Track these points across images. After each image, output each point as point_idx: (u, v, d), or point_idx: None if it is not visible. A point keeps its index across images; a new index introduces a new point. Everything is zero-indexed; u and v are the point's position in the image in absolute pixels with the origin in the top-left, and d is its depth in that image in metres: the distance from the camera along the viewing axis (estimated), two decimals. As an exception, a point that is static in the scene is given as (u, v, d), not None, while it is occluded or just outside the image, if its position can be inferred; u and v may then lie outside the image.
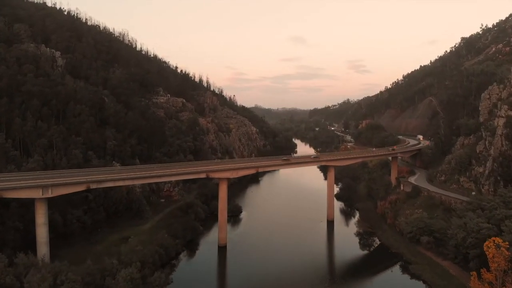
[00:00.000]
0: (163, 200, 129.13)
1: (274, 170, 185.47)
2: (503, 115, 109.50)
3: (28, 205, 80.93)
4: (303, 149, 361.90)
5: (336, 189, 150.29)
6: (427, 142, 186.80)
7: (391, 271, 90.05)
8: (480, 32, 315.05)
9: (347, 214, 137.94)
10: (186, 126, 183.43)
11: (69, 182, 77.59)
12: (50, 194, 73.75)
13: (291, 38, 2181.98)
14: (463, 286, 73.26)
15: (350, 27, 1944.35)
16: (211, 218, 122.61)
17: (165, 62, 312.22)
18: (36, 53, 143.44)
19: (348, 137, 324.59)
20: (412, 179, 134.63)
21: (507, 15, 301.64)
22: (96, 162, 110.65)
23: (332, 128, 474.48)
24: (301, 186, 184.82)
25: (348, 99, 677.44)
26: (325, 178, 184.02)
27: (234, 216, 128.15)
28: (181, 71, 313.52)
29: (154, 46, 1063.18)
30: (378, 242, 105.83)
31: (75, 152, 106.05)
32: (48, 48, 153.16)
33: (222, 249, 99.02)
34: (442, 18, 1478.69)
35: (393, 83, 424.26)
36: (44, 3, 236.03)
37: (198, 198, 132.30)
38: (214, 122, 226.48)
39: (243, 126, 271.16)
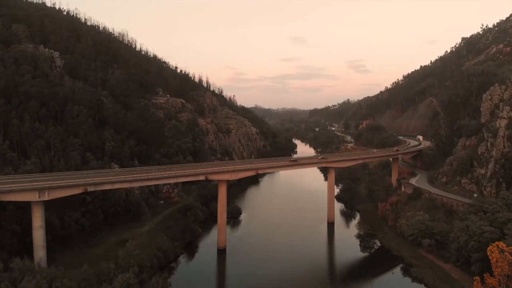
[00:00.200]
0: (162, 202, 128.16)
1: (274, 171, 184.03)
2: (505, 116, 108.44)
3: (26, 207, 79.89)
4: (303, 149, 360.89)
5: (336, 190, 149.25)
6: (427, 143, 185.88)
7: (392, 273, 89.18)
8: (481, 32, 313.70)
9: (347, 216, 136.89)
10: (185, 127, 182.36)
11: (66, 185, 76.54)
12: (46, 197, 72.73)
13: (291, 38, 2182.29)
14: (465, 290, 72.38)
15: (350, 27, 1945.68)
16: (211, 220, 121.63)
17: (164, 62, 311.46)
18: (34, 54, 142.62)
19: (348, 138, 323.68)
20: (413, 181, 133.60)
21: (508, 15, 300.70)
22: (94, 163, 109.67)
23: (333, 129, 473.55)
24: (301, 187, 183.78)
25: (348, 99, 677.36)
26: (325, 179, 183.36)
27: (233, 218, 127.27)
28: (181, 71, 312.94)
29: (154, 46, 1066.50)
30: (379, 245, 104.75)
31: (73, 154, 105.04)
32: (46, 49, 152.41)
33: (221, 252, 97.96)
34: (442, 18, 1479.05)
35: (393, 83, 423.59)
36: (43, 3, 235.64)
37: (197, 199, 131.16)
38: (214, 122, 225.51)
39: (243, 126, 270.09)
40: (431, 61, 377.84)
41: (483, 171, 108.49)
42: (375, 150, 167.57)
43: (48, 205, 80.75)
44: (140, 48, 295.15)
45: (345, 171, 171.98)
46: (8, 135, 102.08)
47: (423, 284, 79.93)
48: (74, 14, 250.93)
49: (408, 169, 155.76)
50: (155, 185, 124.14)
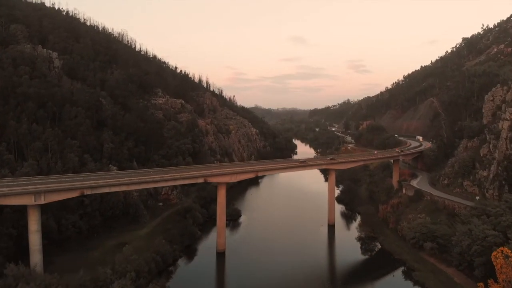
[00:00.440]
0: (161, 204, 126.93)
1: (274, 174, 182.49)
2: (508, 118, 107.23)
3: (23, 210, 78.79)
4: (304, 149, 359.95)
5: (336, 191, 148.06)
6: (428, 144, 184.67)
7: (393, 276, 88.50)
8: (481, 32, 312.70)
9: (348, 218, 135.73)
10: (185, 128, 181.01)
11: (62, 188, 75.35)
12: (42, 200, 71.58)
13: (291, 38, 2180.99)
14: (468, 295, 71.28)
15: (350, 27, 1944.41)
16: (210, 222, 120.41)
17: (164, 63, 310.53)
18: (32, 54, 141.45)
19: (349, 138, 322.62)
20: (414, 183, 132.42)
21: (508, 15, 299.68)
22: (92, 165, 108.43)
23: (333, 129, 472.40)
24: (302, 188, 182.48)
25: (348, 99, 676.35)
26: (325, 180, 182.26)
27: (233, 220, 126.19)
28: (181, 71, 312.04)
29: (153, 47, 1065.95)
30: (380, 248, 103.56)
31: (70, 156, 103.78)
32: (45, 49, 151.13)
33: (220, 255, 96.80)
34: (442, 18, 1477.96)
35: (393, 84, 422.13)
36: (43, 3, 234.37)
37: (196, 201, 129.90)
38: (214, 123, 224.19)
39: (243, 127, 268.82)
40: (431, 61, 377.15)
41: (485, 173, 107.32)
42: (376, 151, 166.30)
43: (45, 208, 79.69)
44: (140, 48, 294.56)
45: (345, 173, 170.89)
46: (5, 137, 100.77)
47: (425, 289, 78.90)
48: (73, 14, 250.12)
49: (409, 171, 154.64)
50: (153, 187, 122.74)
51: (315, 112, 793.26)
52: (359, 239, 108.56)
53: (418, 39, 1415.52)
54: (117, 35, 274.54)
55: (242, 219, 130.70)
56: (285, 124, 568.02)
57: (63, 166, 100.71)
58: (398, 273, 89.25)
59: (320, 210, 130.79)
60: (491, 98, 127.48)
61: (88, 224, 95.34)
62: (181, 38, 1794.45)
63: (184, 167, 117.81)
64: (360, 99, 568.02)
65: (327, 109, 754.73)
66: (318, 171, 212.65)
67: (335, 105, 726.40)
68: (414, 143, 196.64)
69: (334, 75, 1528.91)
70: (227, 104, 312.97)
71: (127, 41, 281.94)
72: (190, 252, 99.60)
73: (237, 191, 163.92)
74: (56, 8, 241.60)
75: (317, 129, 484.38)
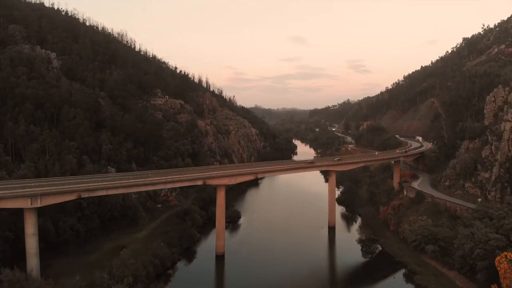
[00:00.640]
0: (160, 206, 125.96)
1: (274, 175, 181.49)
2: (510, 119, 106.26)
3: (19, 213, 77.63)
4: (304, 150, 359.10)
5: (337, 192, 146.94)
6: (429, 145, 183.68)
7: (394, 278, 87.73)
8: (482, 33, 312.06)
9: (348, 220, 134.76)
10: (184, 129, 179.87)
11: (59, 191, 74.36)
12: (39, 203, 70.56)
13: (291, 38, 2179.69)
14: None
15: (350, 27, 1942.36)
16: (209, 224, 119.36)
17: (164, 63, 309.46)
18: (31, 55, 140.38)
19: (349, 139, 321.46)
20: (415, 184, 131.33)
21: (509, 15, 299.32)
22: (90, 167, 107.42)
23: (333, 129, 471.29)
24: (302, 189, 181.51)
25: (348, 100, 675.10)
26: (326, 181, 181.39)
27: (232, 222, 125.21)
28: (180, 71, 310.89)
29: (153, 47, 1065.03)
30: (381, 250, 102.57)
31: (68, 158, 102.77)
32: (43, 50, 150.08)
33: (219, 258, 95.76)
34: (442, 18, 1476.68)
35: (393, 84, 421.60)
36: (42, 3, 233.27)
37: (195, 203, 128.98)
38: (213, 124, 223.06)
39: (243, 127, 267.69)
40: (432, 61, 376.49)
41: (487, 175, 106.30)
42: (376, 152, 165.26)
43: (43, 211, 78.71)
44: (140, 48, 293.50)
45: (345, 173, 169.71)
46: (3, 138, 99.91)
47: (427, 292, 77.94)
48: (73, 15, 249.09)
49: (410, 172, 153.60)
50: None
51: (315, 112, 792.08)
52: (360, 241, 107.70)
53: (418, 39, 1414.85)
54: (116, 35, 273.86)
55: (241, 220, 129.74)
56: (285, 124, 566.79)
57: (60, 168, 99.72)
58: (400, 276, 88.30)
59: (321, 212, 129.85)
60: (493, 99, 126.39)
61: (86, 226, 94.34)
62: (181, 38, 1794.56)
63: (183, 169, 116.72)
64: (360, 99, 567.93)
65: (327, 109, 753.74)
66: (318, 172, 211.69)
67: (335, 105, 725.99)
68: (414, 144, 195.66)
69: (334, 75, 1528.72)
70: (227, 105, 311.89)
71: (127, 41, 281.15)
72: (189, 254, 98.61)
73: (236, 192, 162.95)
74: (56, 8, 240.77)
75: (317, 130, 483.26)
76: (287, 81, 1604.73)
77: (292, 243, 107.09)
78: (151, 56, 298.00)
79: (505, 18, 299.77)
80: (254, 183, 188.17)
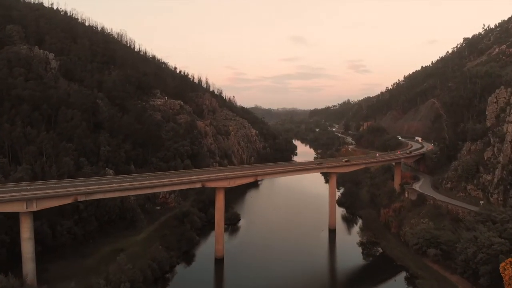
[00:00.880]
0: (158, 208, 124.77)
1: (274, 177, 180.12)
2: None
3: (16, 216, 76.43)
4: (304, 150, 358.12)
5: (337, 194, 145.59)
6: (430, 146, 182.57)
7: (395, 281, 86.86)
8: (482, 33, 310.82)
9: (349, 222, 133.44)
10: (183, 130, 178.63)
11: (55, 195, 73.09)
12: (34, 207, 69.38)
13: (291, 38, 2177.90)
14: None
15: (350, 27, 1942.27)
16: (208, 226, 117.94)
17: (163, 63, 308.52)
18: (29, 55, 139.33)
19: (349, 139, 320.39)
20: (416, 186, 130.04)
21: (510, 15, 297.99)
22: (88, 169, 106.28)
23: (333, 129, 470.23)
24: (302, 190, 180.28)
25: (348, 100, 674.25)
26: (326, 182, 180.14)
27: (232, 224, 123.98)
28: (180, 71, 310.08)
29: (153, 47, 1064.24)
30: (383, 253, 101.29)
31: (65, 160, 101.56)
32: (41, 50, 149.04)
33: (219, 262, 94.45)
34: (442, 18, 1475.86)
35: (394, 84, 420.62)
36: (41, 3, 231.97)
37: (194, 205, 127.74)
38: (213, 124, 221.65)
39: (243, 128, 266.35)
40: (432, 61, 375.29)
41: (489, 177, 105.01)
42: (377, 154, 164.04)
43: (39, 214, 77.47)
44: (139, 48, 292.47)
45: (346, 175, 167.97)
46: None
47: (429, 297, 76.74)
48: (72, 15, 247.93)
49: (411, 173, 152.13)
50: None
51: (315, 112, 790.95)
52: (361, 244, 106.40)
53: (418, 39, 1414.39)
54: (116, 36, 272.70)
55: (241, 223, 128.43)
56: (285, 125, 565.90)
57: (58, 171, 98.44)
58: (401, 280, 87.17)
59: (321, 214, 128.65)
60: (495, 100, 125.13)
61: (83, 229, 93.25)
62: (181, 38, 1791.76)
63: (182, 171, 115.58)
64: (360, 99, 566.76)
65: (327, 109, 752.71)
66: (319, 174, 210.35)
67: (335, 105, 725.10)
68: (415, 145, 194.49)
69: (334, 75, 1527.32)
70: (227, 105, 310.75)
71: (126, 41, 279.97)
72: (187, 258, 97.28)
73: (236, 193, 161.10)
74: (55, 9, 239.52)
75: (317, 130, 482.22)
76: (287, 81, 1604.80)
77: (292, 246, 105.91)
78: (150, 56, 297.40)
79: (506, 18, 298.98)
80: (254, 184, 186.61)
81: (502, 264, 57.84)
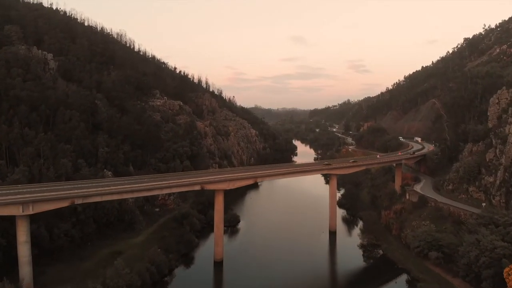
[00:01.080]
0: (157, 209, 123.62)
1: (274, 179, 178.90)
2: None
3: (12, 219, 75.57)
4: (304, 150, 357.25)
5: (338, 195, 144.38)
6: (430, 146, 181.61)
7: (396, 283, 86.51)
8: (483, 33, 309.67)
9: (349, 224, 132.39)
10: (183, 130, 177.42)
11: (52, 198, 72.15)
12: (31, 211, 68.38)
13: (291, 38, 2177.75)
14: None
15: (350, 27, 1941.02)
16: (208, 228, 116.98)
17: (163, 63, 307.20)
18: (27, 56, 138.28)
19: (349, 140, 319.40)
20: (417, 187, 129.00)
21: (511, 16, 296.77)
22: (86, 171, 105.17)
23: (333, 130, 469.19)
24: (302, 191, 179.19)
25: (348, 100, 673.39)
26: (326, 182, 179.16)
27: (231, 226, 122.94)
28: (180, 71, 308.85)
29: (153, 47, 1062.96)
30: (383, 256, 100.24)
31: (63, 161, 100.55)
32: (40, 50, 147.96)
33: (218, 265, 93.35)
34: (442, 18, 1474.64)
35: (394, 84, 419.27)
36: (40, 3, 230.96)
37: (194, 207, 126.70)
38: (212, 125, 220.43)
39: (242, 128, 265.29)
40: (432, 61, 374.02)
41: (491, 179, 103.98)
42: (378, 155, 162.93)
43: (36, 216, 76.38)
44: (139, 48, 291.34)
45: (346, 176, 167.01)
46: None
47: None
48: (71, 15, 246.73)
49: (412, 174, 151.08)
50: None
51: (315, 112, 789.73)
52: (361, 246, 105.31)
53: (418, 39, 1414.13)
54: (115, 36, 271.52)
55: (240, 225, 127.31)
56: (285, 125, 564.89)
57: (55, 172, 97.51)
58: (402, 283, 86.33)
59: (321, 215, 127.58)
60: (497, 101, 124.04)
61: (81, 232, 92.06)
62: (181, 38, 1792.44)
63: (180, 173, 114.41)
64: (360, 99, 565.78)
65: (327, 109, 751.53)
66: (319, 175, 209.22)
67: (335, 105, 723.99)
68: (416, 146, 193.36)
69: (334, 75, 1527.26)
70: (227, 105, 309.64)
71: (125, 41, 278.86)
72: (186, 261, 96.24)
73: (236, 194, 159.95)
74: (54, 9, 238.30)
75: (317, 130, 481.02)
76: (287, 81, 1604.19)
77: (293, 248, 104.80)
78: (150, 56, 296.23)
79: (506, 18, 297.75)
80: (254, 185, 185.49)
81: (506, 269, 56.90)
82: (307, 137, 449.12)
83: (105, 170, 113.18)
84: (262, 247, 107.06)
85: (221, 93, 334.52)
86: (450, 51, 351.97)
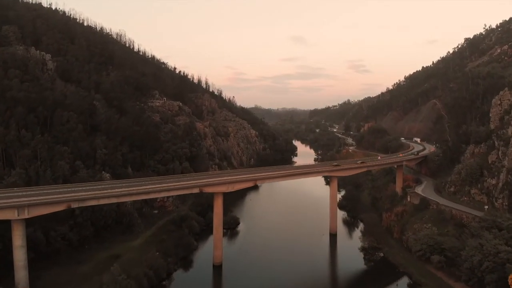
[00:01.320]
0: (156, 212, 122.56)
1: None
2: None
3: (8, 222, 74.31)
4: (304, 150, 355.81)
5: (338, 196, 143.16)
6: (432, 147, 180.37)
7: (396, 285, 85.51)
8: (483, 33, 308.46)
9: (350, 226, 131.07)
10: (182, 131, 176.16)
11: (48, 201, 70.99)
12: (26, 215, 67.33)
13: (291, 38, 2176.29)
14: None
15: (350, 27, 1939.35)
16: (207, 230, 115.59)
17: (163, 63, 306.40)
18: (25, 56, 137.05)
19: (350, 140, 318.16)
20: (419, 189, 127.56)
21: (511, 16, 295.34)
22: (84, 173, 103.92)
23: (334, 130, 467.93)
24: (302, 192, 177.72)
25: (348, 100, 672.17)
26: (326, 184, 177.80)
27: (231, 229, 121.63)
28: (179, 72, 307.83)
29: (153, 47, 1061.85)
30: (385, 259, 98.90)
31: (60, 163, 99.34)
32: (38, 51, 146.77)
33: (217, 268, 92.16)
34: (442, 18, 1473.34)
35: (394, 84, 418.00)
36: (39, 3, 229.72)
37: (193, 209, 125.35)
38: (212, 126, 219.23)
39: (242, 129, 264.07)
40: (433, 61, 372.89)
41: (494, 182, 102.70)
42: (379, 156, 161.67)
43: (32, 219, 75.20)
44: (138, 48, 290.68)
45: (347, 177, 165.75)
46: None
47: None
48: (70, 15, 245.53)
49: (413, 176, 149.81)
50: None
51: (315, 112, 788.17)
52: (362, 249, 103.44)
53: (418, 39, 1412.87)
54: (114, 36, 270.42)
55: (240, 227, 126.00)
56: (285, 125, 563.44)
57: (52, 175, 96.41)
58: (404, 287, 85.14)
59: (322, 217, 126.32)
60: (499, 102, 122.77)
61: (78, 235, 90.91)
62: (181, 38, 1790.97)
63: (179, 176, 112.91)
64: (360, 100, 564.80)
65: (327, 109, 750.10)
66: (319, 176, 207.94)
67: (335, 106, 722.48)
68: (417, 147, 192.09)
69: (334, 75, 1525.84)
70: (227, 105, 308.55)
71: (125, 41, 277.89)
72: (185, 264, 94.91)
73: (235, 196, 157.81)
74: (53, 9, 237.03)
75: (317, 130, 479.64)
76: (287, 81, 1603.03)
77: (293, 251, 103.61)
78: (150, 56, 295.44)
79: (507, 18, 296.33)
80: (254, 186, 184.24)
81: (511, 276, 55.68)
82: (307, 138, 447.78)
83: (103, 172, 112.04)
84: (262, 250, 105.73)
85: (221, 93, 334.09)
86: (451, 51, 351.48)
